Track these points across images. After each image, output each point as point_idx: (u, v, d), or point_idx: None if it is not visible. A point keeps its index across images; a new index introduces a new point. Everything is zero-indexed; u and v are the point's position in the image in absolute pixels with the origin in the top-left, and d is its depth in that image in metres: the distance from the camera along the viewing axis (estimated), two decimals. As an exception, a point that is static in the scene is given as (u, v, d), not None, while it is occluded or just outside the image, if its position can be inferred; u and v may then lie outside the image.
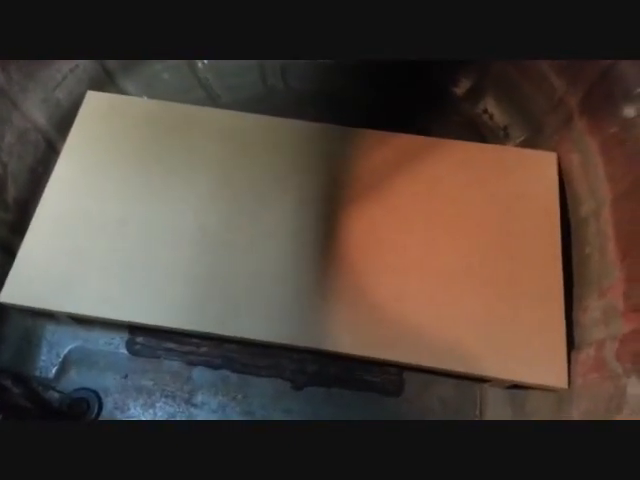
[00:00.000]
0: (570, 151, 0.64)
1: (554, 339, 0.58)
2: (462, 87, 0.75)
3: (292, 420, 0.60)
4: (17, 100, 0.61)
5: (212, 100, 0.78)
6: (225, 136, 0.67)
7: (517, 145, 0.72)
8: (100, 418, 0.61)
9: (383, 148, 0.67)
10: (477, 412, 0.60)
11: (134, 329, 0.67)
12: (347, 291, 0.58)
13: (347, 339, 0.55)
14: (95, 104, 0.68)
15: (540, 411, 0.59)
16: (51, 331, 0.66)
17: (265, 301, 0.57)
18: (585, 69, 0.60)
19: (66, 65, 0.66)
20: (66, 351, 0.66)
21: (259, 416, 0.62)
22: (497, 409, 0.60)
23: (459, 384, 0.61)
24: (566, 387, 0.56)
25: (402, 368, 0.61)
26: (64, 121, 0.67)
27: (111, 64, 0.72)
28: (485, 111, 0.74)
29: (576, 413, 0.54)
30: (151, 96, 0.76)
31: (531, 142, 0.70)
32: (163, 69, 0.77)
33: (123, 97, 0.71)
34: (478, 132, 0.74)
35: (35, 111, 0.64)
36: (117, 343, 0.67)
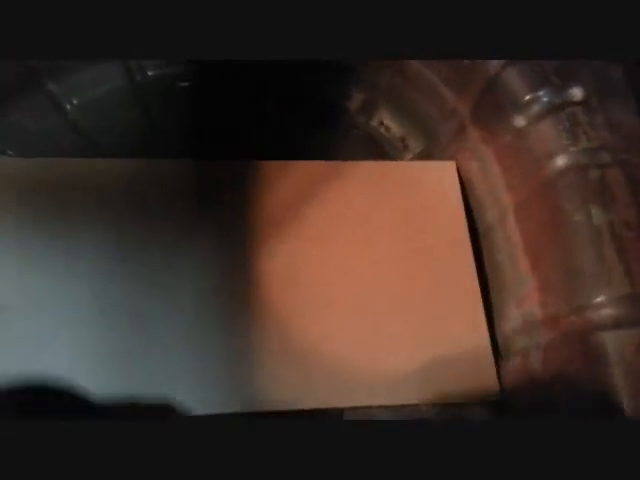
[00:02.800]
0: (469, 159, 0.65)
1: (479, 352, 0.58)
2: (355, 101, 0.73)
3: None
4: None
5: (87, 146, 0.70)
6: (108, 189, 0.59)
7: (416, 155, 0.71)
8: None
9: (286, 179, 0.63)
10: (419, 436, 0.59)
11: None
12: (272, 341, 0.54)
13: (279, 395, 0.52)
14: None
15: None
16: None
17: (186, 371, 0.52)
18: (472, 79, 0.60)
19: None
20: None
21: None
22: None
23: (396, 410, 0.60)
24: (496, 398, 0.56)
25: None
26: None
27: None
28: (381, 124, 0.73)
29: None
30: (15, 150, 0.67)
31: (430, 151, 0.70)
32: (25, 115, 0.68)
33: (-23, 160, 0.61)
34: (378, 145, 0.73)
35: None
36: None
